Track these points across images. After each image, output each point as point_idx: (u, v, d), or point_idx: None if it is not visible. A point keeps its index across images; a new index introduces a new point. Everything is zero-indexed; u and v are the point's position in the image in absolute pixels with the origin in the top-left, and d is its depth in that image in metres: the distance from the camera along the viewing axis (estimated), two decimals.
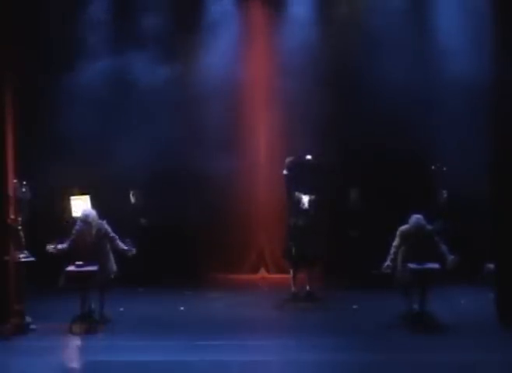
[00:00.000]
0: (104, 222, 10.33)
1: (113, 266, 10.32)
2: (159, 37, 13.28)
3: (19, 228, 10.02)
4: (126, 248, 10.30)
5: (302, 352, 9.15)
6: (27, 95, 11.41)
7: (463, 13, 12.93)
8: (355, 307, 11.34)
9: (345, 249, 13.05)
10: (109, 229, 10.32)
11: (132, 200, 13.35)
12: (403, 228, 10.23)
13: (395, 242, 10.19)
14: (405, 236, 10.15)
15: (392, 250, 10.16)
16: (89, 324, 10.06)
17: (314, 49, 13.37)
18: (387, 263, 10.11)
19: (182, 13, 13.46)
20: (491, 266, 11.43)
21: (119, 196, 13.15)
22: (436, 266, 9.96)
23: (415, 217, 10.20)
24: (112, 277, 10.28)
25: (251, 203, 13.74)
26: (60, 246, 10.13)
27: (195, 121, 13.41)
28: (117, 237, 10.32)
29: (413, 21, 13.30)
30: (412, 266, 9.95)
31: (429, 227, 10.18)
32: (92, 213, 10.37)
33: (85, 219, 10.26)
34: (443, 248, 10.08)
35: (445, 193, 12.76)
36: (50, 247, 10.12)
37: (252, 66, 13.78)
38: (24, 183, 10.09)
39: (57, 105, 12.93)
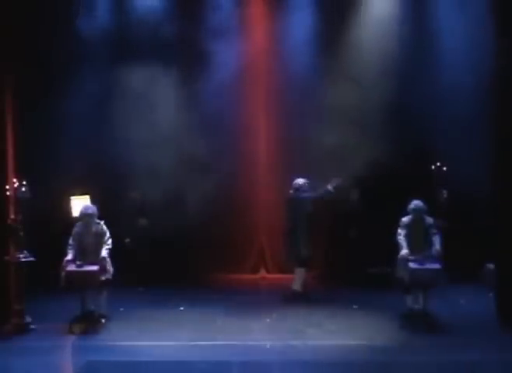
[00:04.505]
0: (102, 222, 10.33)
1: (111, 268, 10.29)
2: (159, 47, 13.30)
3: (19, 228, 10.03)
4: (105, 255, 10.17)
5: (302, 352, 9.16)
6: (27, 96, 11.43)
7: (464, 14, 12.92)
8: (355, 307, 11.34)
9: (345, 249, 13.05)
10: (105, 229, 10.30)
11: (132, 200, 13.33)
12: (404, 218, 10.28)
13: (399, 232, 10.22)
14: (406, 226, 10.19)
15: (401, 239, 10.18)
16: (89, 324, 10.06)
17: (318, 43, 13.43)
18: (405, 250, 10.10)
19: (183, 17, 13.47)
20: (491, 266, 11.45)
21: (119, 197, 13.14)
22: (437, 266, 9.95)
23: (414, 204, 10.24)
24: (110, 277, 10.26)
25: (251, 204, 13.73)
26: (67, 261, 10.08)
27: (195, 122, 13.41)
28: (109, 243, 10.27)
29: (415, 19, 13.34)
30: (412, 266, 9.95)
31: (429, 218, 10.20)
32: (92, 207, 10.36)
33: (85, 212, 10.25)
34: (436, 238, 10.12)
35: (445, 193, 12.75)
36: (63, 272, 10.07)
37: (254, 64, 13.79)
38: (24, 182, 10.09)
39: (57, 105, 12.91)
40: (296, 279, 11.76)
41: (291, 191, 11.80)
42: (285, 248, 11.93)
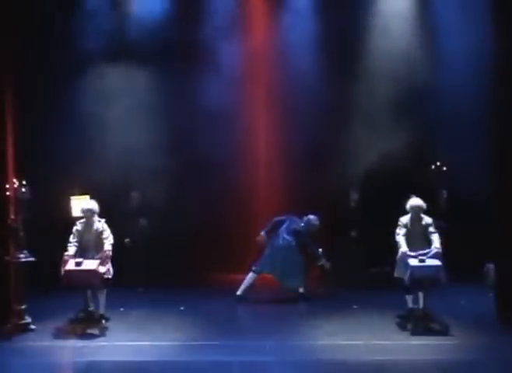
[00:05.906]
0: (103, 221, 10.33)
1: (110, 268, 10.27)
2: (159, 47, 13.30)
3: (19, 228, 10.02)
4: (108, 247, 10.18)
5: (302, 352, 9.16)
6: (27, 96, 11.44)
7: (463, 12, 12.93)
8: (355, 307, 11.34)
9: (345, 249, 13.05)
10: (105, 227, 10.29)
11: (132, 201, 13.33)
12: (403, 218, 10.26)
13: (398, 231, 10.18)
14: (405, 225, 10.18)
15: (400, 239, 10.14)
16: (90, 324, 10.05)
17: (320, 42, 13.44)
18: (404, 249, 10.07)
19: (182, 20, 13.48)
20: (491, 266, 11.45)
21: (118, 198, 13.13)
22: (437, 263, 9.90)
23: (412, 201, 10.23)
24: (110, 277, 10.24)
25: (252, 203, 13.73)
26: (68, 256, 10.08)
27: (195, 122, 13.41)
28: (111, 239, 10.24)
29: (417, 18, 13.37)
30: (412, 263, 9.90)
31: (427, 217, 10.19)
32: (93, 203, 10.36)
33: (85, 208, 10.25)
34: (435, 237, 10.07)
35: (445, 193, 12.76)
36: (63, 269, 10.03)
37: (256, 64, 13.79)
38: (24, 182, 10.09)
39: (57, 105, 12.91)
40: (244, 283, 11.92)
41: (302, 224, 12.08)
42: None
